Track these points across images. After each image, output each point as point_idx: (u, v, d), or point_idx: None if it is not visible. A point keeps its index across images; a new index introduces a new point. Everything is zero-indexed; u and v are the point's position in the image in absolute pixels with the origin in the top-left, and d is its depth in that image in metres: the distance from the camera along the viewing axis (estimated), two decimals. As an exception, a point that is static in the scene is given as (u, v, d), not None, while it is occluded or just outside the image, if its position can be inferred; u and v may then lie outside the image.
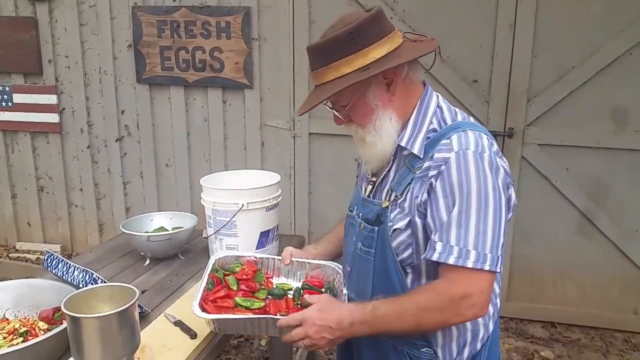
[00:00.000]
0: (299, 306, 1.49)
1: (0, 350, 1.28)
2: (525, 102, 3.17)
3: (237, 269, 1.64)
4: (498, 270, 1.19)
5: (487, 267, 1.17)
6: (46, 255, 1.94)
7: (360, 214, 1.42)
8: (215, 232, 2.02)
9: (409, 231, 1.28)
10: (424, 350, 1.34)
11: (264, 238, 2.05)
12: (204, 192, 2.09)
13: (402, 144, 1.31)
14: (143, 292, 1.82)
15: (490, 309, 1.35)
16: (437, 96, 1.37)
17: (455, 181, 1.19)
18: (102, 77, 3.89)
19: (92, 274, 1.72)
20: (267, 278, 1.65)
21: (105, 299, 1.24)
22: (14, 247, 4.37)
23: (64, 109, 4.03)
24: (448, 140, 1.24)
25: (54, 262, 1.89)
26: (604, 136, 3.10)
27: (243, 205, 1.96)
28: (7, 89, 4.02)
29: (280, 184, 2.11)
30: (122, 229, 2.10)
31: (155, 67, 3.71)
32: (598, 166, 3.15)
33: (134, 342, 1.21)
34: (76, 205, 4.22)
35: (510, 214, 1.32)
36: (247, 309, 1.47)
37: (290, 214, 3.71)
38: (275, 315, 1.39)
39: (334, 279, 1.60)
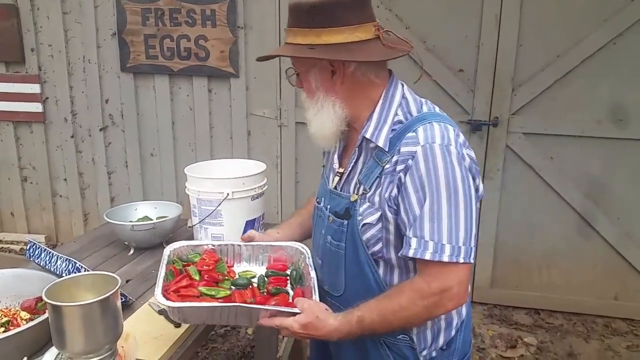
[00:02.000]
0: (266, 294, 1.46)
1: (-18, 340, 1.28)
2: (510, 91, 3.19)
3: (196, 259, 1.57)
4: (471, 261, 1.21)
5: (461, 260, 1.19)
6: (29, 245, 1.92)
7: (328, 207, 1.41)
8: (200, 222, 2.01)
9: (379, 225, 1.28)
10: (400, 337, 1.35)
11: (249, 227, 2.04)
12: (189, 181, 2.08)
13: (367, 136, 1.30)
14: (127, 281, 1.81)
15: None
16: (403, 86, 1.35)
17: (424, 175, 1.19)
18: (86, 65, 3.84)
19: (76, 263, 1.71)
20: (228, 267, 1.59)
21: (87, 288, 1.23)
22: (-2, 238, 4.33)
23: (47, 98, 3.97)
24: (414, 133, 1.23)
25: (36, 252, 1.87)
26: (588, 125, 3.13)
27: (228, 194, 1.96)
28: (-12, 77, 3.96)
29: (267, 174, 2.11)
30: (106, 218, 2.09)
31: (140, 55, 3.67)
32: (582, 155, 3.18)
33: (117, 330, 1.21)
34: (60, 195, 4.18)
35: (478, 204, 1.32)
36: (213, 297, 1.40)
37: (277, 204, 3.71)
38: (244, 303, 1.33)
39: (299, 260, 1.56)
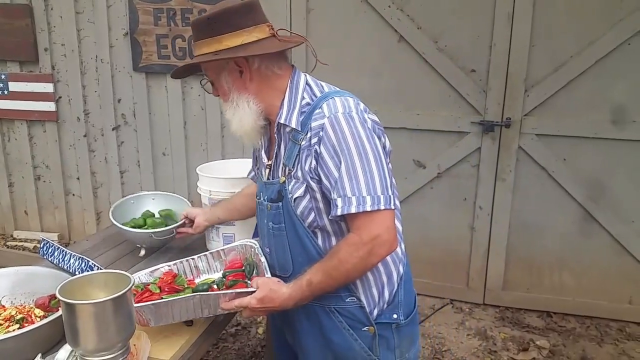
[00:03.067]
0: (225, 289, 1.52)
1: (-4, 337, 1.29)
2: (522, 92, 3.16)
3: (156, 282, 1.61)
4: (392, 207, 1.35)
5: (382, 207, 1.33)
6: (42, 243, 1.93)
7: (265, 197, 1.53)
8: (211, 221, 2.01)
9: (307, 196, 1.42)
10: (348, 300, 1.46)
11: (260, 227, 2.04)
12: (200, 180, 2.09)
13: (282, 121, 1.44)
14: (139, 279, 1.82)
15: (398, 250, 1.51)
16: (305, 75, 1.51)
17: (335, 142, 1.35)
18: (99, 65, 3.87)
19: (88, 261, 1.72)
20: (189, 281, 1.64)
21: (101, 286, 1.23)
22: (12, 236, 4.37)
23: (60, 97, 4.01)
24: (320, 109, 1.39)
25: (50, 250, 1.89)
26: (602, 127, 3.09)
27: (239, 193, 1.96)
28: (2, 77, 4.00)
29: (277, 173, 2.10)
30: (123, 227, 2.00)
31: (152, 55, 3.69)
32: (596, 157, 3.15)
33: (130, 328, 1.21)
34: (73, 194, 4.22)
35: (389, 159, 1.46)
36: None
37: (287, 204, 3.71)
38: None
39: (251, 254, 1.65)
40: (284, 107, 1.45)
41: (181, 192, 3.87)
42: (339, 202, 1.33)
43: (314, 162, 1.38)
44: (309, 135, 1.38)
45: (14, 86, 4.00)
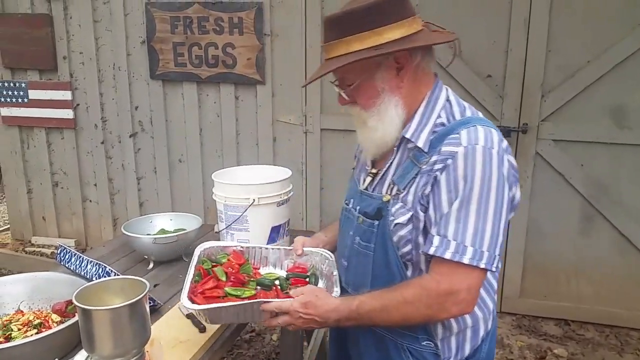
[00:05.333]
0: (287, 294, 1.48)
1: (15, 342, 1.31)
2: (539, 97, 3.13)
3: (224, 260, 1.62)
4: (494, 269, 1.19)
5: (482, 265, 1.16)
6: (59, 249, 1.95)
7: (358, 208, 1.39)
8: (226, 227, 2.02)
9: (410, 226, 1.26)
10: (424, 343, 1.32)
11: (274, 233, 2.05)
12: (216, 187, 2.10)
13: (407, 136, 1.28)
14: (155, 285, 1.83)
15: (490, 305, 1.36)
16: (447, 89, 1.34)
17: (460, 175, 1.17)
18: (116, 73, 3.92)
19: (105, 267, 1.73)
20: (254, 269, 1.64)
21: (117, 292, 1.24)
22: (30, 242, 4.43)
23: (78, 104, 4.07)
24: (457, 135, 1.21)
25: (67, 256, 1.91)
26: (619, 132, 3.05)
27: (254, 200, 1.96)
28: (22, 85, 4.07)
29: (292, 180, 2.11)
30: (128, 233, 2.01)
31: (169, 63, 3.73)
32: (613, 162, 3.11)
33: (145, 334, 1.21)
34: (90, 200, 4.27)
35: (512, 214, 1.31)
36: (238, 297, 1.44)
37: (302, 210, 3.71)
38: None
39: (323, 265, 1.61)
40: (414, 120, 1.28)
41: (197, 198, 3.90)
42: (436, 240, 1.18)
43: (428, 188, 1.21)
44: (434, 159, 1.21)
45: (33, 94, 4.07)
